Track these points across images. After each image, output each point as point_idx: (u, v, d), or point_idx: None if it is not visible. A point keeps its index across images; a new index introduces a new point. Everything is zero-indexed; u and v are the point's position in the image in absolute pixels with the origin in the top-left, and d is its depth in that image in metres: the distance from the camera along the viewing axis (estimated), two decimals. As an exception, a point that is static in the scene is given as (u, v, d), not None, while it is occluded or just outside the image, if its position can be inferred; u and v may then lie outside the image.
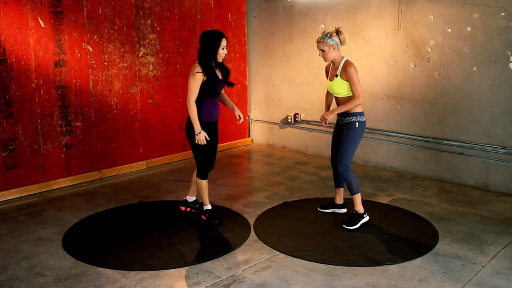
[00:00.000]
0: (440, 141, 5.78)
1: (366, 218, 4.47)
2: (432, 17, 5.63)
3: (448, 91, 5.64)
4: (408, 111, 6.01)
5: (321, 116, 4.37)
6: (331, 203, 4.81)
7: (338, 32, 4.30)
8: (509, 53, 5.14)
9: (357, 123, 4.33)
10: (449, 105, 5.66)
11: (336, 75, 4.32)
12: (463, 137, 5.61)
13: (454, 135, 5.67)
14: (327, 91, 4.62)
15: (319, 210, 4.82)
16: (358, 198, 4.43)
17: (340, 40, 4.29)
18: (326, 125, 4.44)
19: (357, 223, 4.41)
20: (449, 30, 5.52)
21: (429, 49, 5.71)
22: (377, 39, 6.14)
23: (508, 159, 5.29)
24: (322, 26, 6.66)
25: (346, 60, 4.31)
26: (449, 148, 5.74)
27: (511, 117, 5.23)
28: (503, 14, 5.12)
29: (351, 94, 4.29)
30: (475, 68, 5.40)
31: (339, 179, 4.67)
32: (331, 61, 4.37)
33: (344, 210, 4.76)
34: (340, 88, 4.31)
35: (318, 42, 4.32)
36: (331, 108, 4.65)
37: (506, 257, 3.85)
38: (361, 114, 4.36)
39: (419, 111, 5.92)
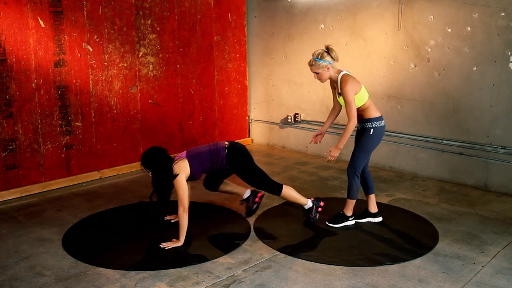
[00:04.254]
0: (440, 141, 5.78)
1: (351, 222, 4.45)
2: (432, 17, 5.63)
3: (448, 91, 5.64)
4: (408, 111, 6.01)
5: (329, 155, 4.18)
6: (366, 212, 4.60)
7: (328, 50, 4.11)
8: (509, 53, 5.14)
9: (371, 130, 4.22)
10: (449, 105, 5.66)
11: (339, 94, 4.20)
12: (463, 137, 5.61)
13: (454, 135, 5.67)
14: (334, 104, 4.48)
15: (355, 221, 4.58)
16: (351, 203, 4.41)
17: (333, 58, 4.12)
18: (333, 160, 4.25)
19: (339, 223, 4.43)
20: (449, 30, 5.52)
21: (429, 49, 5.71)
22: (377, 39, 6.14)
23: (508, 159, 5.29)
24: (322, 26, 6.66)
25: (342, 76, 4.13)
26: (449, 148, 5.73)
27: (511, 117, 5.23)
28: (503, 14, 5.12)
29: (364, 102, 4.17)
30: (475, 68, 5.40)
31: (368, 186, 4.53)
32: (330, 78, 4.24)
33: (380, 219, 4.56)
34: None
35: (310, 65, 4.15)
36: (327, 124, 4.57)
37: (506, 257, 3.85)
38: (377, 119, 4.22)
39: (419, 111, 5.92)
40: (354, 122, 4.10)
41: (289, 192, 4.34)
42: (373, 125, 4.22)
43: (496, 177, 5.41)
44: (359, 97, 4.15)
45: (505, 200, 5.14)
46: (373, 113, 4.23)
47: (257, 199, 4.48)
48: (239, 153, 4.25)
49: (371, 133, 4.23)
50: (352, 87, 4.08)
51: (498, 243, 4.10)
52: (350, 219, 4.46)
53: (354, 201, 4.40)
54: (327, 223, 4.47)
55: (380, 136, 4.30)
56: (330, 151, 4.22)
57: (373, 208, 4.56)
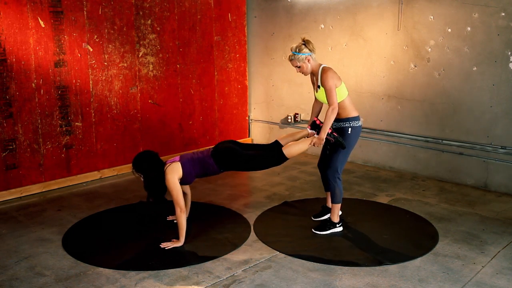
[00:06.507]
0: (440, 141, 5.78)
1: (339, 229, 4.33)
2: (432, 17, 5.63)
3: (448, 91, 5.64)
4: (408, 111, 6.01)
5: (317, 141, 4.09)
6: (325, 209, 4.63)
7: (305, 42, 4.11)
8: (509, 53, 5.14)
9: (349, 129, 4.18)
10: (449, 105, 5.66)
11: (319, 86, 4.17)
12: (463, 137, 5.61)
13: (454, 135, 5.67)
14: (315, 99, 4.45)
15: (314, 220, 4.59)
16: (336, 208, 4.31)
17: (310, 50, 4.11)
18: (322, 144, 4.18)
19: (327, 230, 4.31)
20: (449, 30, 5.52)
21: (429, 49, 5.71)
22: (377, 39, 6.14)
23: (508, 159, 5.29)
24: (322, 26, 6.66)
25: (322, 68, 4.13)
26: (449, 148, 5.74)
27: (511, 117, 5.23)
28: (503, 14, 5.12)
29: (343, 99, 4.13)
30: (475, 68, 5.40)
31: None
32: (312, 72, 4.23)
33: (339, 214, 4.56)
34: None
35: (290, 60, 4.14)
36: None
37: (506, 257, 3.85)
38: (354, 119, 4.20)
39: (419, 111, 5.92)
40: (334, 108, 4.02)
41: (292, 149, 4.12)
42: (351, 125, 4.19)
43: (496, 177, 5.41)
44: (339, 92, 4.11)
45: (505, 200, 5.14)
46: (351, 112, 4.20)
47: (318, 122, 4.20)
48: (224, 154, 4.16)
49: (349, 132, 4.19)
50: (332, 76, 4.05)
51: (498, 243, 4.10)
52: (337, 225, 4.33)
53: (339, 206, 4.31)
54: (313, 230, 4.34)
55: (357, 136, 4.25)
56: (314, 144, 4.13)
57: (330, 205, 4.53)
